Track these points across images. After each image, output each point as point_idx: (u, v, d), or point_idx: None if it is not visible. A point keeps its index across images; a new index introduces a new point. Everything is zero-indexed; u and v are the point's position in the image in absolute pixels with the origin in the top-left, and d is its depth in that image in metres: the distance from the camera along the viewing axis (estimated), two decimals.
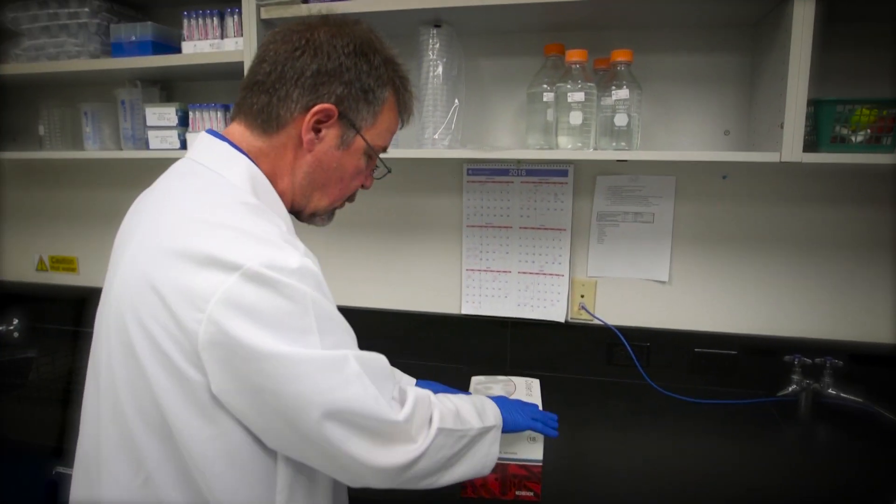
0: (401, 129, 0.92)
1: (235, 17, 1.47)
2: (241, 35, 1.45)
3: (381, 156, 0.90)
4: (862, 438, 1.30)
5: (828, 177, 1.44)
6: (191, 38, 1.51)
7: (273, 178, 0.82)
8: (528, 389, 1.27)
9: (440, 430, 0.79)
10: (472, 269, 1.69)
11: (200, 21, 1.50)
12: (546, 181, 1.60)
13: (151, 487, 0.71)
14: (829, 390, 1.40)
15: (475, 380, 1.34)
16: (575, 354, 1.63)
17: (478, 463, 0.88)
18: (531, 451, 1.04)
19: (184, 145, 1.59)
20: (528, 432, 1.05)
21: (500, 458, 0.93)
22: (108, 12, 1.60)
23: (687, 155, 1.29)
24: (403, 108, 0.88)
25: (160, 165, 0.87)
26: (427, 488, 0.81)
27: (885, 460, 1.21)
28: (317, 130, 0.80)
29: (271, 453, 0.73)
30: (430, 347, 1.71)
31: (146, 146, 1.63)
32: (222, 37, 1.50)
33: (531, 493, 1.04)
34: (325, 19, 0.82)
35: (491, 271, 1.67)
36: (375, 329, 1.54)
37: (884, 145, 1.20)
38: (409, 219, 1.72)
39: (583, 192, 1.59)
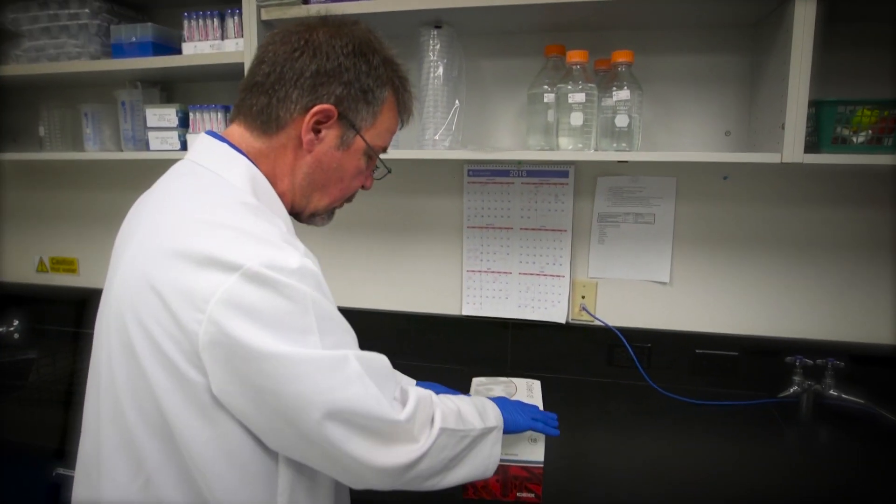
0: (400, 129, 0.92)
1: (236, 18, 1.47)
2: (242, 36, 1.45)
3: (382, 156, 0.90)
4: (863, 440, 1.30)
5: (829, 178, 1.44)
6: (191, 39, 1.52)
7: (273, 179, 0.82)
8: (529, 391, 1.26)
9: (442, 430, 0.79)
10: (473, 270, 1.69)
11: (201, 22, 1.51)
12: (547, 182, 1.60)
13: (152, 488, 0.71)
14: (831, 391, 1.40)
15: (476, 381, 1.34)
16: (576, 355, 1.62)
17: (480, 464, 0.87)
18: (532, 452, 1.04)
19: (184, 146, 1.59)
20: (529, 434, 1.05)
21: (501, 460, 0.92)
22: (108, 13, 1.60)
23: (688, 156, 1.28)
24: (403, 109, 0.88)
25: (160, 166, 0.86)
26: (430, 490, 0.81)
27: (886, 461, 1.21)
28: (316, 131, 0.80)
29: (272, 454, 0.73)
30: (431, 348, 1.71)
31: (146, 147, 1.63)
32: (222, 38, 1.50)
33: (532, 495, 1.04)
34: (324, 20, 0.82)
35: (492, 272, 1.67)
36: (376, 330, 1.53)
37: (885, 146, 1.20)
38: (409, 220, 1.72)
39: (583, 193, 1.59)
